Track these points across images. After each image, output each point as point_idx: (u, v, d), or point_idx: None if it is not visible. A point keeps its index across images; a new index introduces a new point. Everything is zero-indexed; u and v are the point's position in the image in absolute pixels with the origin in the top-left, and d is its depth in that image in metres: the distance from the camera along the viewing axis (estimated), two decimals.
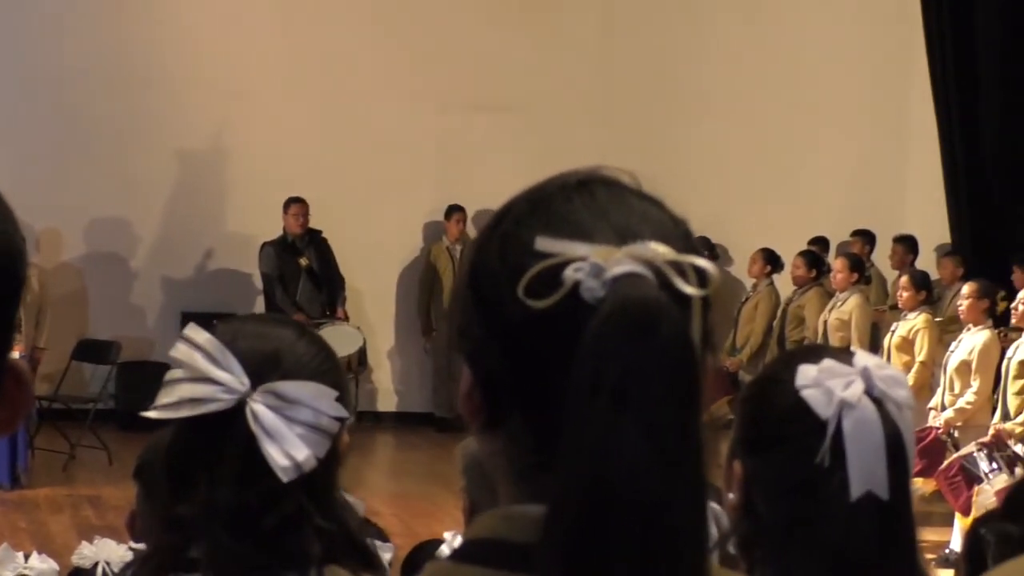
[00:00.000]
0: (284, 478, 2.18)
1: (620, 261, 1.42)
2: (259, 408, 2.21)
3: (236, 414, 2.20)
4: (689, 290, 1.45)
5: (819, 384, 2.35)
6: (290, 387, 2.23)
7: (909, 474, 2.38)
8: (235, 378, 2.22)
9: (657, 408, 1.39)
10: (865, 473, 2.32)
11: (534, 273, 1.42)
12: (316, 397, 2.24)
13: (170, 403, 2.24)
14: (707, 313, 1.48)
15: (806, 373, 2.36)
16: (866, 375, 2.36)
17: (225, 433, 2.20)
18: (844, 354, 2.44)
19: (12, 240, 1.45)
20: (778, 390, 2.40)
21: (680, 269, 1.45)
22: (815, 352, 2.46)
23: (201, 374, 2.22)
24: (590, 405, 1.38)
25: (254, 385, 2.22)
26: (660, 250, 1.44)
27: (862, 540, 2.32)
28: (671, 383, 1.41)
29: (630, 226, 1.47)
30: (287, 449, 2.20)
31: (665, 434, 1.40)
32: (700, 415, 1.44)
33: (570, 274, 1.41)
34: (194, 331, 2.27)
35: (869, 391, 2.35)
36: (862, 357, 2.40)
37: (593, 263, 1.41)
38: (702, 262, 1.47)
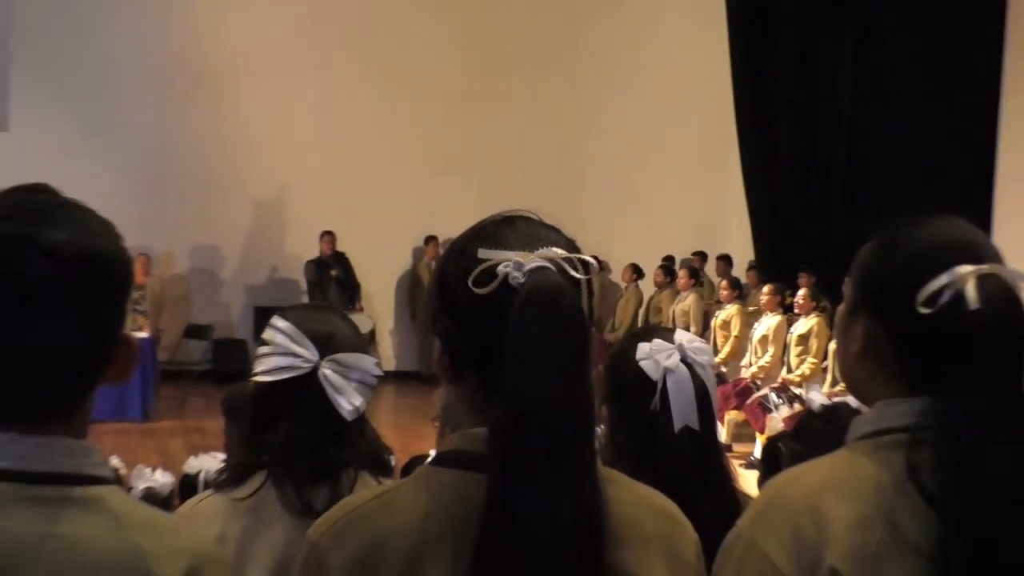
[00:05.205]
0: (349, 419, 2.18)
1: (533, 260, 1.44)
2: (328, 372, 2.18)
3: (309, 377, 2.18)
4: (578, 276, 1.47)
5: (650, 356, 2.40)
6: (346, 357, 2.20)
7: (714, 411, 2.42)
8: (310, 352, 2.19)
9: (562, 354, 1.41)
10: (683, 414, 2.36)
11: (478, 271, 1.44)
12: (363, 362, 2.22)
13: (267, 370, 2.20)
14: (591, 293, 1.50)
15: (642, 349, 2.41)
16: (681, 348, 2.41)
17: (301, 389, 2.18)
18: (668, 333, 2.47)
19: (127, 258, 1.45)
20: (626, 360, 2.42)
21: (572, 263, 1.47)
22: (649, 333, 2.49)
23: (285, 349, 2.19)
24: (519, 354, 1.40)
25: (321, 356, 2.19)
26: (558, 251, 1.46)
27: (684, 458, 2.34)
28: (570, 337, 1.42)
29: (538, 242, 1.47)
30: (350, 400, 2.19)
31: (567, 372, 1.41)
32: (589, 360, 1.45)
33: (501, 270, 1.43)
34: (277, 320, 2.24)
35: (684, 359, 2.40)
36: (681, 336, 2.45)
37: (516, 261, 1.44)
38: (586, 257, 1.49)
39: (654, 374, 2.37)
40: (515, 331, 1.40)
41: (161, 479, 4.61)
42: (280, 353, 2.19)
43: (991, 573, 1.48)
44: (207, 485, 4.14)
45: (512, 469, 1.38)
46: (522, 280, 1.42)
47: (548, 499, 1.37)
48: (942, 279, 1.56)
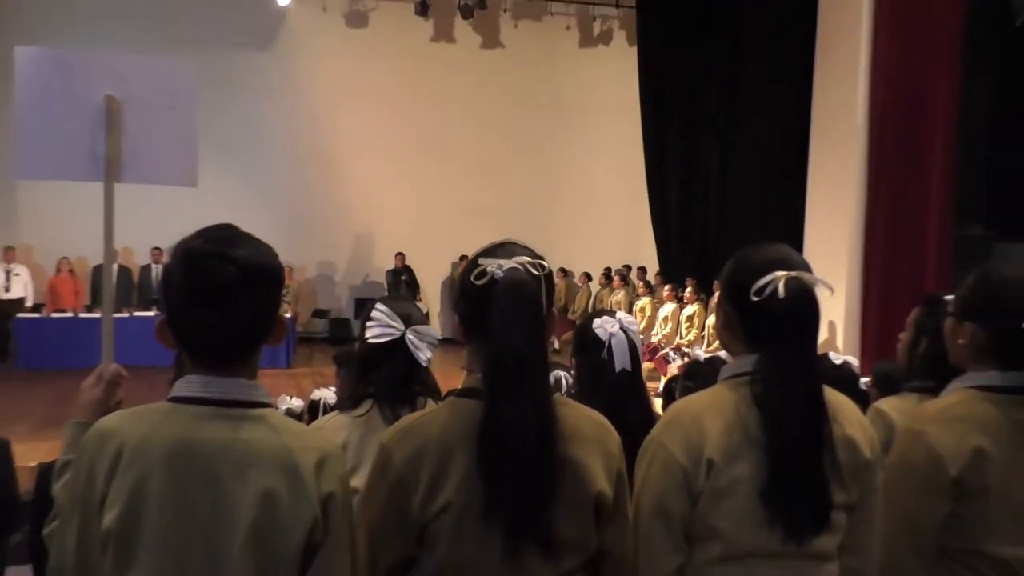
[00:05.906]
0: (425, 364, 2.17)
1: (510, 264, 1.43)
2: (412, 338, 2.16)
3: (399, 341, 2.15)
4: (537, 273, 1.45)
5: (601, 326, 2.35)
6: (421, 328, 2.18)
7: (640, 361, 2.38)
8: (399, 325, 2.16)
9: (524, 321, 1.39)
10: (621, 361, 2.32)
11: (476, 272, 1.43)
12: (430, 331, 2.20)
13: (373, 336, 2.16)
14: (548, 285, 1.47)
15: (596, 322, 2.37)
16: (620, 322, 2.37)
17: (394, 348, 2.15)
18: (611, 313, 2.43)
19: (281, 267, 1.44)
20: (587, 328, 2.38)
21: (534, 266, 1.45)
22: (600, 313, 2.44)
23: (384, 323, 2.16)
24: (499, 321, 1.39)
25: (406, 327, 2.16)
26: (525, 259, 1.45)
27: (621, 389, 2.31)
28: (530, 311, 1.41)
29: (515, 255, 1.45)
30: (424, 354, 2.17)
31: (528, 332, 1.39)
32: (544, 325, 1.43)
33: (490, 270, 1.42)
34: (379, 305, 2.21)
35: (621, 327, 2.35)
36: (620, 315, 2.41)
37: (499, 264, 1.42)
38: (543, 263, 1.47)
39: (603, 337, 2.34)
40: (496, 306, 1.40)
41: (296, 403, 4.60)
42: (381, 326, 2.17)
43: (792, 455, 1.53)
44: (327, 408, 4.14)
45: (495, 393, 1.38)
46: (502, 276, 1.42)
47: (517, 411, 1.37)
48: (765, 279, 1.59)
